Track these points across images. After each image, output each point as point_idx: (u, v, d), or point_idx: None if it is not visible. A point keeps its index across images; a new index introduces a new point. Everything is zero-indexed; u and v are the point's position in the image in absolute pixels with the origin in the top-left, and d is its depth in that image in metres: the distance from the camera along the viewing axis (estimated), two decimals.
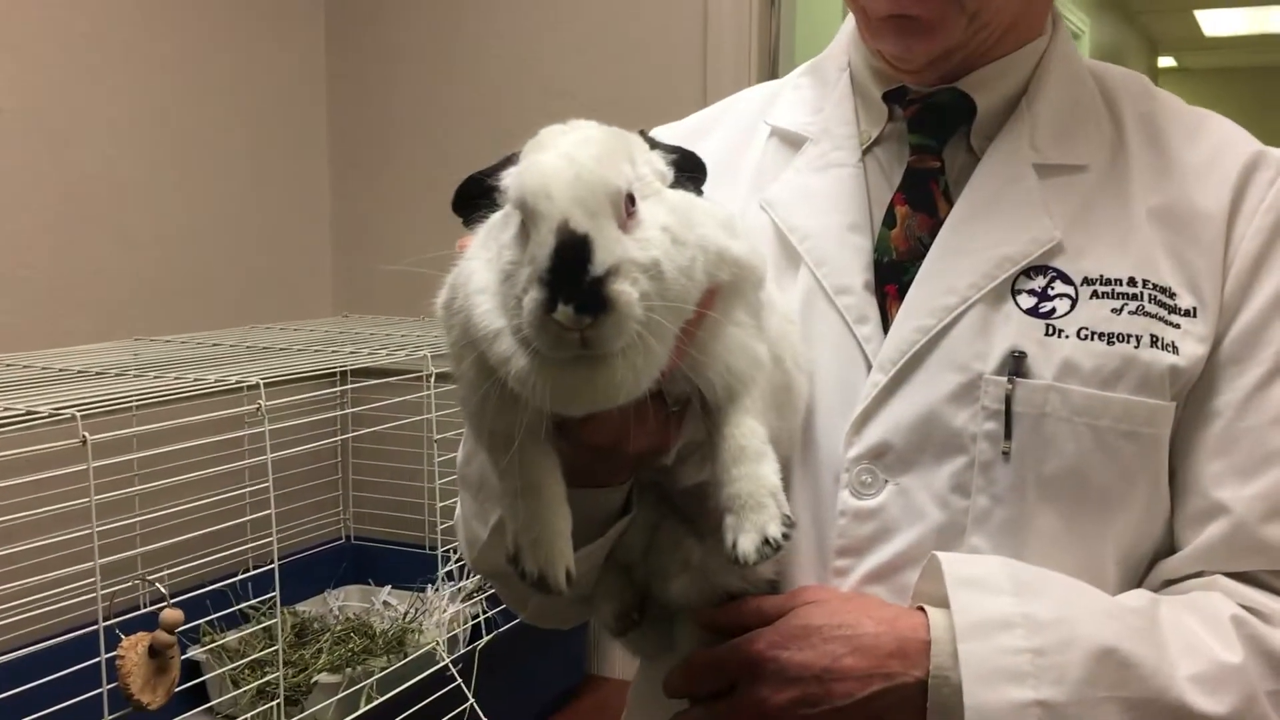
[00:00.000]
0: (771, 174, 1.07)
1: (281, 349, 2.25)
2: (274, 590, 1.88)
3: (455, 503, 1.12)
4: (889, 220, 1.01)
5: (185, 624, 1.68)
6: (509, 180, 0.76)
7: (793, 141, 1.08)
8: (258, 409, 1.81)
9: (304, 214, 2.97)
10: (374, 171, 2.94)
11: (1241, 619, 0.89)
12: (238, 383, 1.85)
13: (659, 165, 0.80)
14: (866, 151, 1.04)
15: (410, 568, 2.59)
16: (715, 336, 0.81)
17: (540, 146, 0.76)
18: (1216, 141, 1.00)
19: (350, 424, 2.54)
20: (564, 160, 0.73)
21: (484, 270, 0.77)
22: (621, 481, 0.92)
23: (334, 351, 2.23)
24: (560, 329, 0.69)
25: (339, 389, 2.56)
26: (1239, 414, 0.94)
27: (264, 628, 2.13)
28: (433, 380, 2.19)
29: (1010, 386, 0.92)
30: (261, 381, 1.84)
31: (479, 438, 0.87)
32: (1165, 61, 10.03)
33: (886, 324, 0.98)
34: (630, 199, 0.74)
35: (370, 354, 2.23)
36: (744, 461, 0.82)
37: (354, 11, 2.89)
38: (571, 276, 0.69)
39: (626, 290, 0.70)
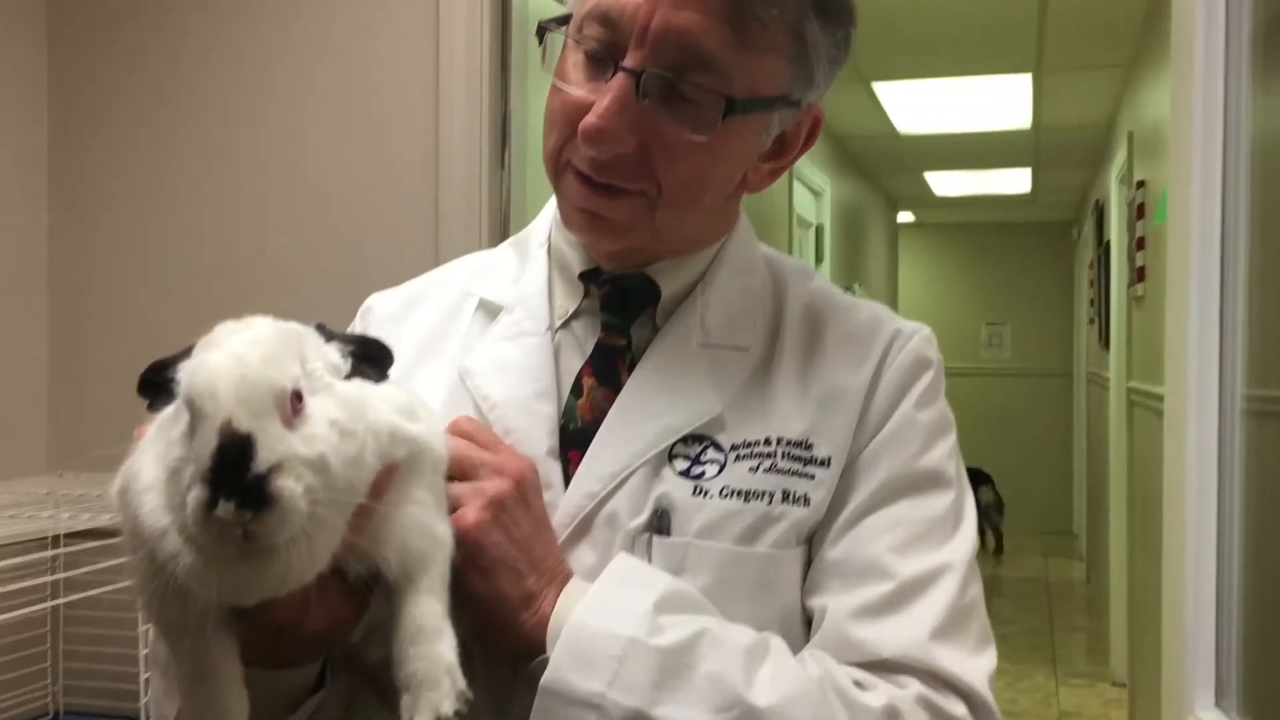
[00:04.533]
0: (474, 344, 1.12)
1: None
2: None
3: None
4: (576, 389, 1.07)
5: None
6: (182, 374, 0.77)
7: (492, 311, 1.14)
8: None
9: (16, 362, 2.78)
10: (98, 316, 2.79)
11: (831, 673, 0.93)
12: None
13: (333, 358, 0.83)
14: (565, 325, 1.11)
15: None
16: (392, 516, 0.84)
17: (211, 344, 0.78)
18: (865, 323, 1.11)
19: (62, 589, 2.34)
20: (231, 360, 0.75)
21: (152, 466, 0.78)
22: (308, 660, 0.91)
23: (49, 516, 2.08)
24: (222, 525, 0.71)
25: (50, 553, 2.35)
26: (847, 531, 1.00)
27: None
28: None
29: (651, 543, 0.98)
30: None
31: (154, 625, 0.86)
32: (904, 216, 11.01)
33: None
34: (298, 396, 0.76)
35: (90, 518, 2.09)
36: (421, 640, 0.84)
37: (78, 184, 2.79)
38: (233, 474, 0.71)
39: (290, 485, 0.73)
